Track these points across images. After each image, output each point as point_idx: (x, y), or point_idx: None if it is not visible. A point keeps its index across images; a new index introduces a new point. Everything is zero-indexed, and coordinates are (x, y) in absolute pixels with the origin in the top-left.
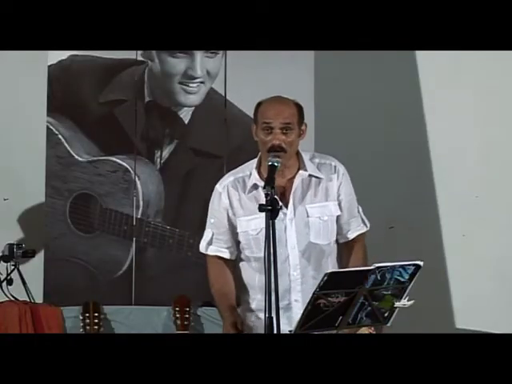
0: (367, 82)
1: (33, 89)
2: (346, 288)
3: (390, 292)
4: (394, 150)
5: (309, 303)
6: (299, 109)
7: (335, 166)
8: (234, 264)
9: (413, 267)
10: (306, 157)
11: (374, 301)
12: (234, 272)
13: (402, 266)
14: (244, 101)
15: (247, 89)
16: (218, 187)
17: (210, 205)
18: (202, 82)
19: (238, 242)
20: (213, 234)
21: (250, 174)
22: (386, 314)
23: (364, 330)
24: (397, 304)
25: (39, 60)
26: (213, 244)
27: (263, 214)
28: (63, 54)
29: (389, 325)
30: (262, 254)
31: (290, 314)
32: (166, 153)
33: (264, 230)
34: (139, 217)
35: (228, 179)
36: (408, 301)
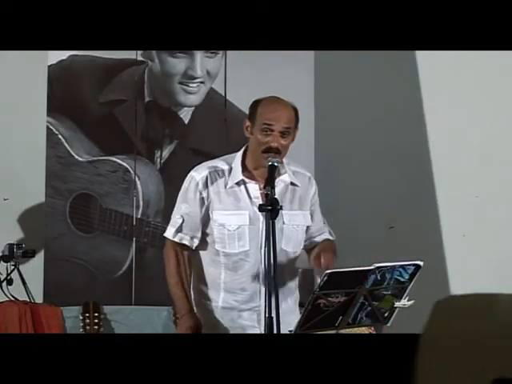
0: (367, 81)
1: (33, 89)
2: (346, 288)
3: (390, 292)
4: (394, 150)
5: (309, 303)
6: (296, 113)
7: (310, 178)
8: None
9: (413, 267)
10: (284, 162)
11: (374, 301)
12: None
13: (402, 266)
14: (244, 101)
15: (247, 89)
16: (196, 176)
17: (184, 192)
18: (202, 82)
19: (203, 234)
20: (183, 221)
21: (231, 169)
22: (386, 314)
23: (364, 330)
24: (397, 304)
25: (39, 60)
26: (182, 231)
27: (243, 212)
28: (63, 54)
29: (389, 325)
30: (234, 251)
31: (259, 318)
32: (166, 153)
33: (242, 228)
34: (139, 217)
35: (207, 169)
36: (408, 301)
